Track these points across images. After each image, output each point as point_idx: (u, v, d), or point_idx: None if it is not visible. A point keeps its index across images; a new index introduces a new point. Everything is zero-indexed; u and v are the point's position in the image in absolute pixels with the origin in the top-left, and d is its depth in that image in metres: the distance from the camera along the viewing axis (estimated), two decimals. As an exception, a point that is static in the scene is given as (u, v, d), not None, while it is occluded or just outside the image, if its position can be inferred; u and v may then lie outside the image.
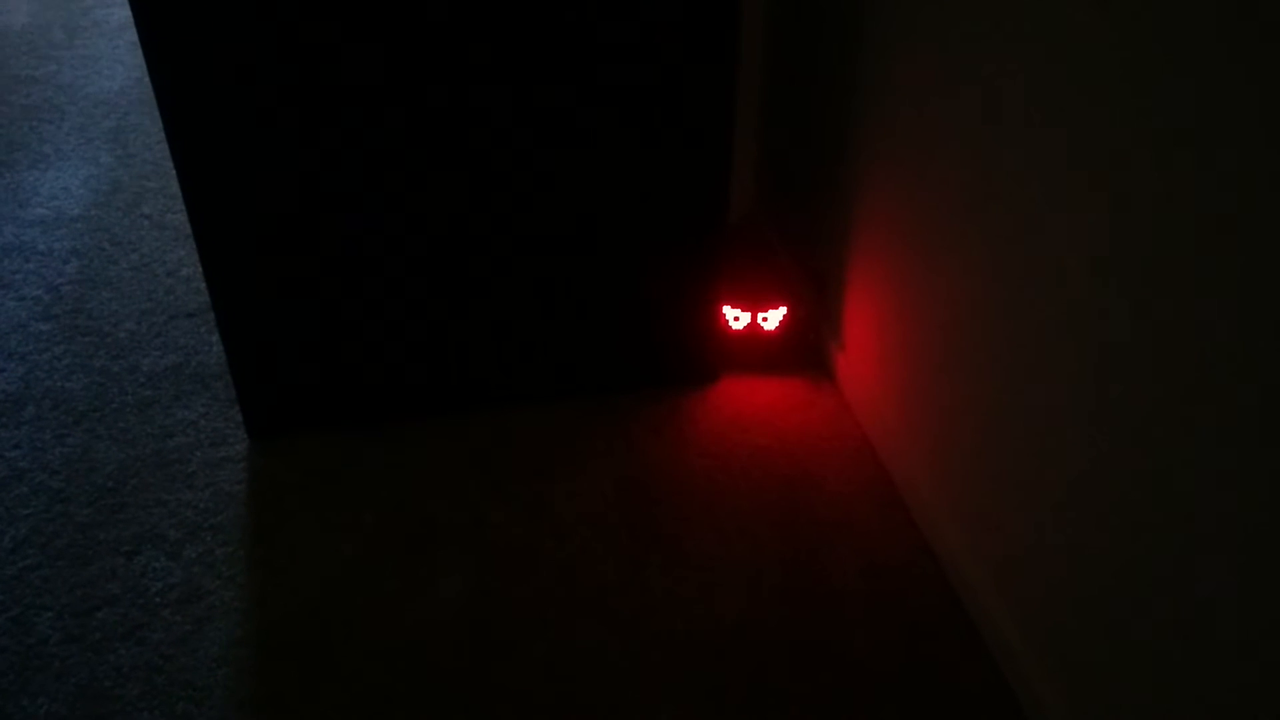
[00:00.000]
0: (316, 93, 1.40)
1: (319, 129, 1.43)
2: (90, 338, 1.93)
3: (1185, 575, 0.97)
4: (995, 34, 1.18)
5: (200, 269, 1.52)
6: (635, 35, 1.44)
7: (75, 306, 2.01)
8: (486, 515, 1.58)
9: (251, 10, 1.32)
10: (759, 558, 1.51)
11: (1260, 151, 0.81)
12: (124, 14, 3.35)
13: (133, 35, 3.17)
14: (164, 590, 1.46)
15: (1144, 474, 1.01)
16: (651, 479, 1.64)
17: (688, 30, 1.45)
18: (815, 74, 1.75)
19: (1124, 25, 0.96)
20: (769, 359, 1.86)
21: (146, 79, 2.85)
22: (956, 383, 1.39)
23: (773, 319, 1.81)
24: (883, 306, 1.60)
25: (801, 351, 1.88)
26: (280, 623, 1.42)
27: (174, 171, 1.44)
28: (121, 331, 1.95)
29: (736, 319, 1.82)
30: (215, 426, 1.73)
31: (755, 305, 1.80)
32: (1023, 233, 1.17)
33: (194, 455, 1.68)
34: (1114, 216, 1.01)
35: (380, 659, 1.37)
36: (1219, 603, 0.93)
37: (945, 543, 1.46)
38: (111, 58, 3.07)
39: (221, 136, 1.41)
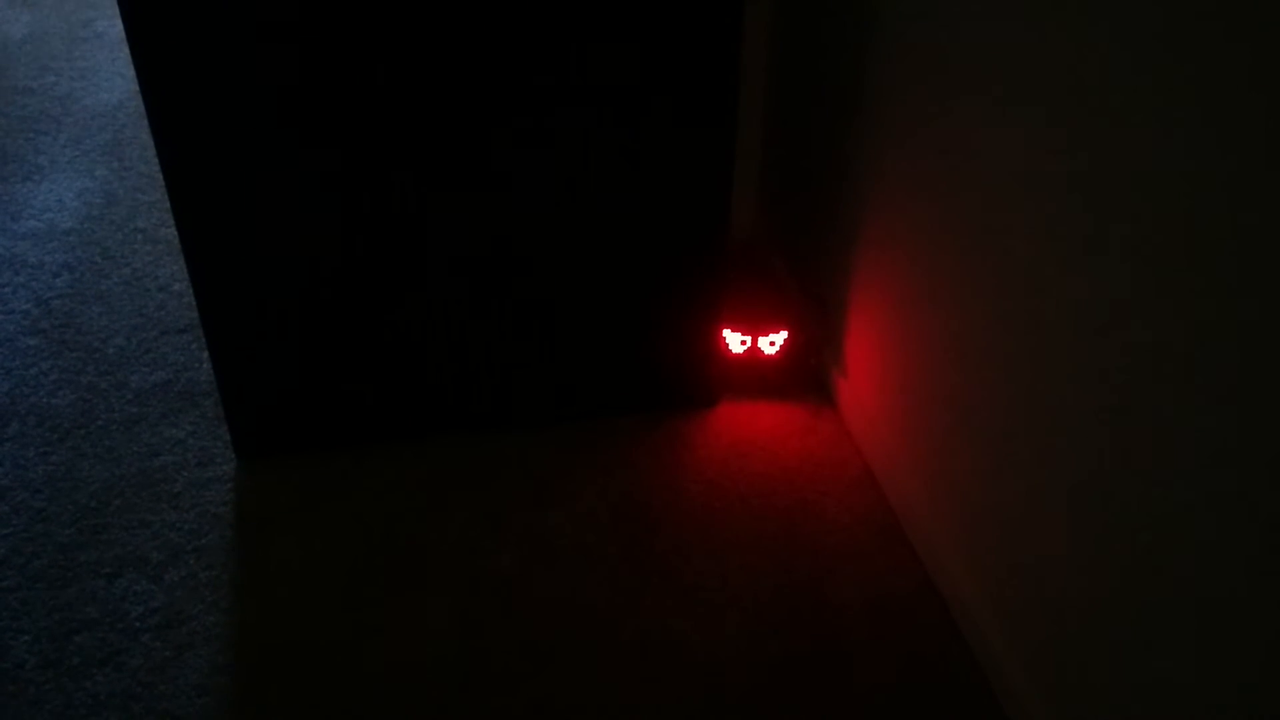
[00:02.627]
0: (310, 112, 1.37)
1: (312, 148, 1.40)
2: (78, 353, 1.90)
3: (1186, 607, 0.94)
4: (1001, 58, 1.16)
5: (191, 285, 1.49)
6: (637, 56, 1.41)
7: (64, 321, 1.98)
8: (479, 541, 1.54)
9: (245, 27, 1.30)
10: (757, 586, 1.47)
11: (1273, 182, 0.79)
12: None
13: (132, 48, 3.15)
14: (145, 615, 1.42)
15: (1147, 505, 0.99)
16: (649, 505, 1.60)
17: (690, 50, 1.42)
18: (818, 95, 1.73)
19: (1137, 49, 0.94)
20: (769, 383, 1.83)
21: (145, 92, 2.82)
22: (958, 410, 1.36)
23: (774, 343, 1.78)
24: (885, 331, 1.57)
25: (802, 376, 1.85)
26: (263, 650, 1.38)
27: (165, 186, 1.41)
28: (110, 347, 1.91)
29: (739, 343, 1.78)
30: (203, 446, 1.69)
31: (756, 329, 1.77)
32: (1026, 259, 1.15)
33: (180, 475, 1.64)
34: (1120, 244, 0.98)
35: (367, 689, 1.33)
36: (1220, 636, 0.90)
37: (945, 571, 1.43)
38: (110, 70, 3.05)
39: (213, 153, 1.38)
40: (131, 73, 3.04)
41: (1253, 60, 0.81)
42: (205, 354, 1.89)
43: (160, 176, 2.48)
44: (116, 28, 3.34)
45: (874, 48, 1.50)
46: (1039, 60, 1.09)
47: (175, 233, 2.25)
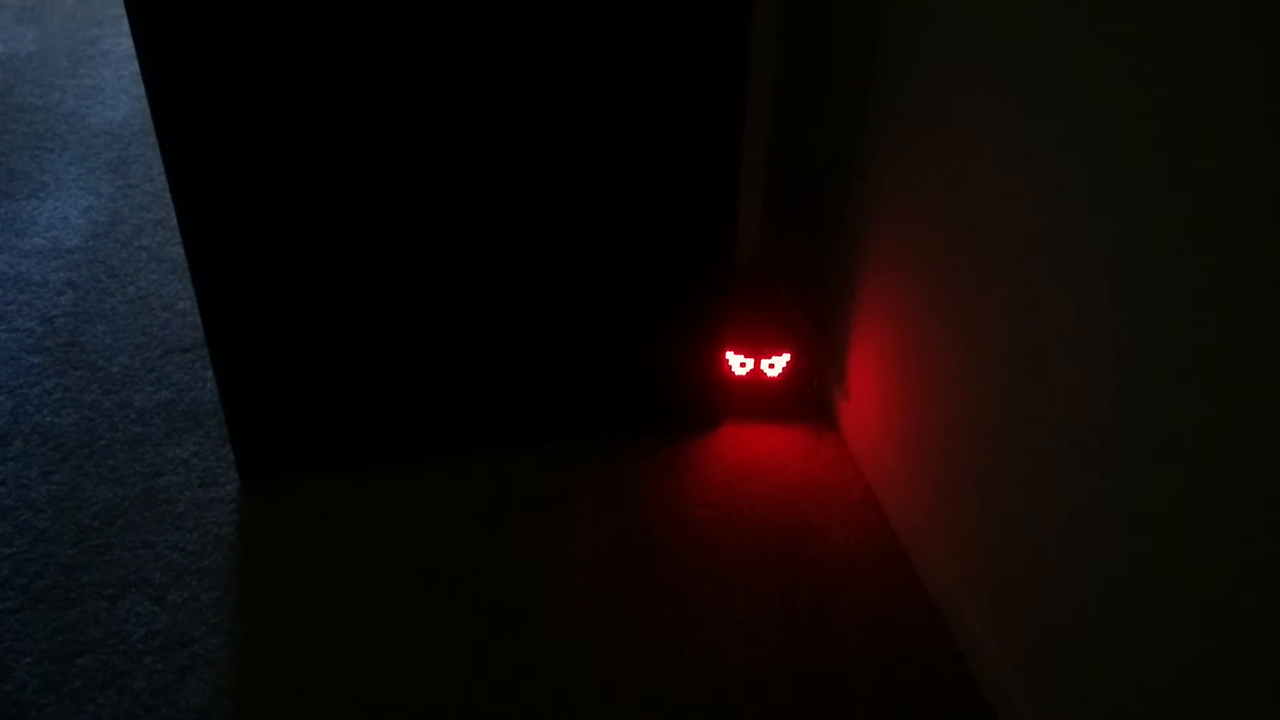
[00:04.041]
0: (318, 132, 1.38)
1: (320, 169, 1.41)
2: (82, 371, 1.90)
3: (1187, 630, 0.94)
4: (1005, 82, 1.16)
5: (197, 304, 1.49)
6: (642, 81, 1.42)
7: (69, 339, 1.98)
8: (481, 563, 1.54)
9: (255, 47, 1.31)
10: (759, 611, 1.47)
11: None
12: (130, 44, 3.35)
13: (138, 66, 3.16)
14: (147, 637, 1.42)
15: (1148, 528, 0.99)
16: (651, 527, 1.60)
17: (695, 76, 1.43)
18: (822, 120, 1.74)
19: (1140, 76, 0.94)
20: (772, 406, 1.83)
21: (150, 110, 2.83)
22: (960, 433, 1.36)
23: (776, 365, 1.79)
24: (887, 355, 1.58)
25: (804, 399, 1.85)
26: (266, 673, 1.38)
27: (173, 204, 1.42)
28: (115, 366, 1.92)
29: (741, 365, 1.79)
30: (206, 466, 1.70)
31: (759, 351, 1.78)
32: (1029, 283, 1.15)
33: (183, 495, 1.64)
34: (1122, 271, 0.99)
35: (369, 713, 1.33)
36: (1220, 664, 0.90)
37: (947, 593, 1.43)
38: (116, 88, 3.06)
39: (221, 171, 1.39)
40: (137, 90, 3.05)
41: (1261, 67, 0.81)
42: (209, 374, 1.89)
43: (165, 195, 2.48)
44: (122, 45, 3.36)
45: (875, 74, 1.50)
46: (1042, 83, 1.10)
47: (179, 251, 2.26)
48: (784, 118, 1.94)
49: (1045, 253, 1.13)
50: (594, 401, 1.73)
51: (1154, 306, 0.96)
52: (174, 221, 2.37)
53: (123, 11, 3.57)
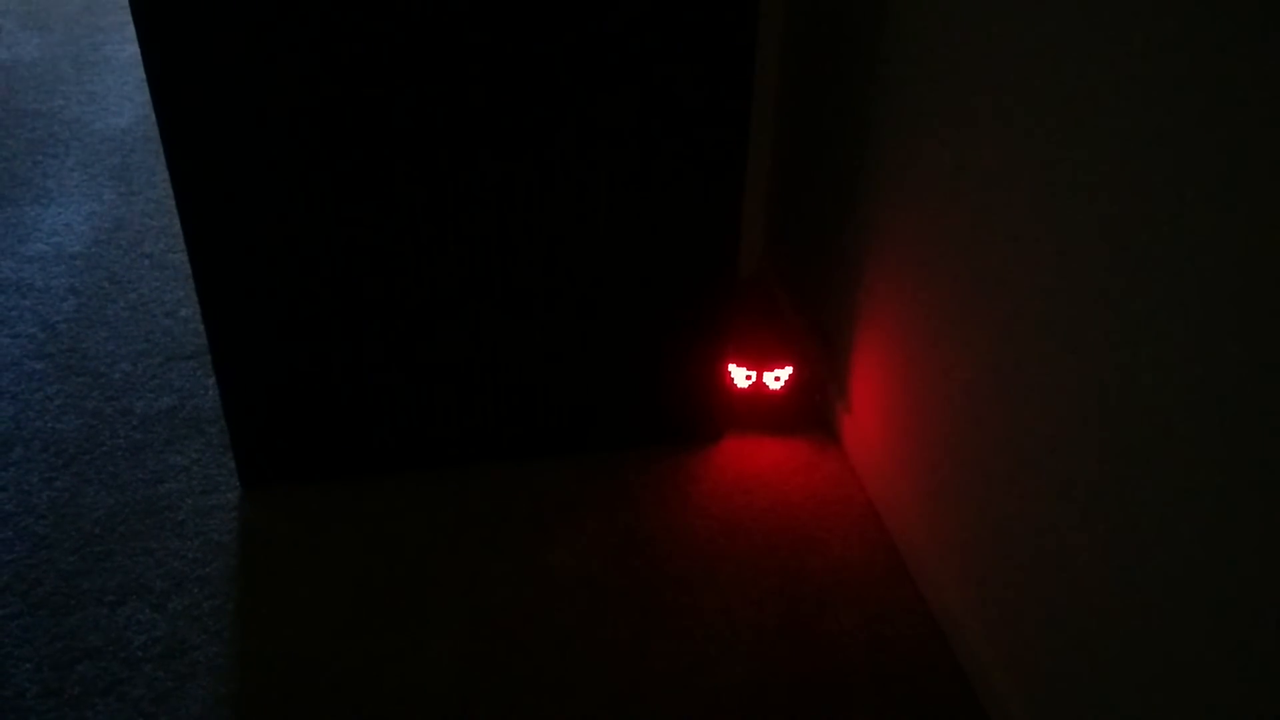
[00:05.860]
0: (323, 140, 1.38)
1: (324, 176, 1.41)
2: (84, 378, 1.90)
3: (1189, 646, 0.94)
4: (1009, 96, 1.17)
5: (199, 311, 1.49)
6: (646, 92, 1.43)
7: (70, 345, 1.98)
8: (482, 575, 1.54)
9: (260, 55, 1.31)
10: (760, 624, 1.47)
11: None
12: (134, 50, 3.36)
13: (142, 72, 3.17)
14: (147, 644, 1.42)
15: (1147, 545, 0.99)
16: (652, 540, 1.60)
17: (699, 88, 1.44)
18: (826, 133, 1.75)
19: (1146, 86, 0.95)
20: (774, 419, 1.83)
21: (153, 116, 2.84)
22: (962, 448, 1.36)
23: (779, 378, 1.79)
24: (889, 369, 1.58)
25: (806, 412, 1.86)
26: (266, 681, 1.37)
27: (177, 210, 1.42)
28: (116, 372, 1.92)
29: (743, 377, 1.79)
30: (207, 473, 1.69)
31: (761, 364, 1.78)
32: (1030, 297, 1.16)
33: (184, 503, 1.64)
34: (1129, 288, 0.99)
35: (368, 723, 1.33)
36: (1222, 679, 0.90)
37: (948, 609, 1.43)
38: (119, 94, 3.07)
39: (226, 178, 1.39)
40: (141, 96, 3.06)
41: (1261, 70, 0.82)
42: (211, 381, 1.89)
43: (168, 201, 2.49)
44: (125, 51, 3.37)
45: (880, 87, 1.51)
46: (1047, 95, 1.10)
47: (182, 258, 2.26)
48: (788, 130, 1.94)
49: (1050, 267, 1.13)
50: (597, 414, 1.73)
51: (1161, 325, 0.97)
52: (177, 228, 2.38)
53: (127, 18, 3.60)
